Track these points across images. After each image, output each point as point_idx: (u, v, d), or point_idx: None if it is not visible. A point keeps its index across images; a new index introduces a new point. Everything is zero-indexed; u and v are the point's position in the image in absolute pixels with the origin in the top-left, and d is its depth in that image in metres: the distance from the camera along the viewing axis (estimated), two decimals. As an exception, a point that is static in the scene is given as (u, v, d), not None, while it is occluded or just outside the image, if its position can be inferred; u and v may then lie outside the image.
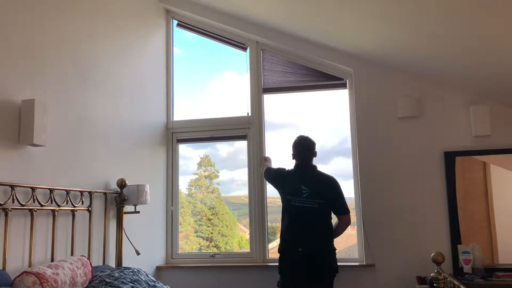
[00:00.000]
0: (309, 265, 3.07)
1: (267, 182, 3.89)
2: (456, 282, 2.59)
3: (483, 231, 3.72)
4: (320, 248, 3.15)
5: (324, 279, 3.12)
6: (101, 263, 3.14)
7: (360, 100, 4.04)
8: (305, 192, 3.17)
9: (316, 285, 3.09)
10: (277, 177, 3.47)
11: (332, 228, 3.25)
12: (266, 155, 4.11)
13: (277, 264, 3.25)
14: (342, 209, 3.28)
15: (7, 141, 2.39)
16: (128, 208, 3.48)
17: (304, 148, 3.32)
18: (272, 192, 4.31)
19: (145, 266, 3.69)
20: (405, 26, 3.32)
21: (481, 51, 3.21)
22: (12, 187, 2.33)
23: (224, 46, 4.52)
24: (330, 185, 3.28)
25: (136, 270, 2.90)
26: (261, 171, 3.81)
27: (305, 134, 3.41)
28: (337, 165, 4.37)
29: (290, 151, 3.41)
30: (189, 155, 4.60)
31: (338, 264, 3.96)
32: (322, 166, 4.39)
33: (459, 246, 3.65)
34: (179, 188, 4.45)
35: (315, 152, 3.35)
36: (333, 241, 3.25)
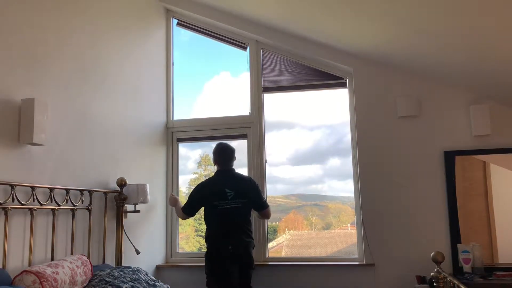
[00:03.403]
0: (238, 262, 3.33)
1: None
2: (456, 282, 2.59)
3: (483, 230, 3.72)
4: (246, 246, 3.40)
5: (249, 275, 3.41)
6: (101, 262, 3.15)
7: (360, 99, 4.03)
8: (230, 194, 3.42)
9: (243, 280, 3.36)
10: (200, 196, 3.52)
11: (252, 224, 3.56)
12: (173, 195, 3.87)
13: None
14: (263, 205, 3.61)
15: (7, 140, 2.38)
16: (128, 207, 3.48)
17: (227, 154, 3.58)
18: (271, 191, 4.31)
19: (145, 265, 3.69)
20: (405, 26, 3.32)
21: (481, 50, 3.21)
22: (12, 186, 2.33)
23: (223, 45, 4.52)
24: (250, 184, 3.58)
25: (136, 269, 2.91)
26: (179, 214, 3.70)
27: (224, 142, 3.72)
28: (335, 164, 4.39)
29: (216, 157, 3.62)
30: (186, 155, 4.61)
31: (338, 263, 4.01)
32: (319, 165, 4.41)
33: (458, 245, 3.65)
34: (179, 187, 4.46)
35: (235, 157, 3.63)
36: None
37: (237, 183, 3.51)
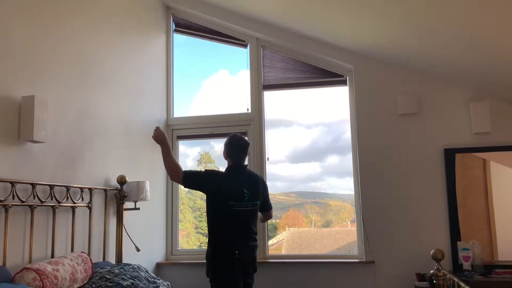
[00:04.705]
0: (243, 267, 3.05)
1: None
2: (456, 279, 2.60)
3: (482, 228, 3.72)
4: (253, 251, 3.15)
5: (252, 279, 3.21)
6: (101, 260, 3.15)
7: (360, 97, 4.03)
8: (247, 195, 3.09)
9: (247, 285, 3.15)
10: (214, 186, 3.09)
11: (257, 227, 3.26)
12: (159, 129, 3.15)
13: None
14: (270, 206, 3.43)
15: (7, 138, 2.39)
16: (128, 204, 3.49)
17: (243, 149, 3.19)
18: (271, 189, 4.29)
19: (145, 263, 3.69)
20: (405, 23, 3.31)
21: (481, 48, 3.21)
22: (12, 183, 2.34)
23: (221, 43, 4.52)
24: (262, 184, 3.32)
25: (136, 267, 2.91)
26: (173, 169, 3.06)
27: (238, 134, 3.29)
28: (334, 162, 4.39)
29: (232, 150, 3.19)
30: (184, 152, 4.61)
31: (338, 260, 4.00)
32: (318, 163, 4.41)
33: (458, 243, 3.65)
34: (179, 185, 4.45)
35: (249, 152, 3.29)
36: None
37: (253, 183, 3.19)
